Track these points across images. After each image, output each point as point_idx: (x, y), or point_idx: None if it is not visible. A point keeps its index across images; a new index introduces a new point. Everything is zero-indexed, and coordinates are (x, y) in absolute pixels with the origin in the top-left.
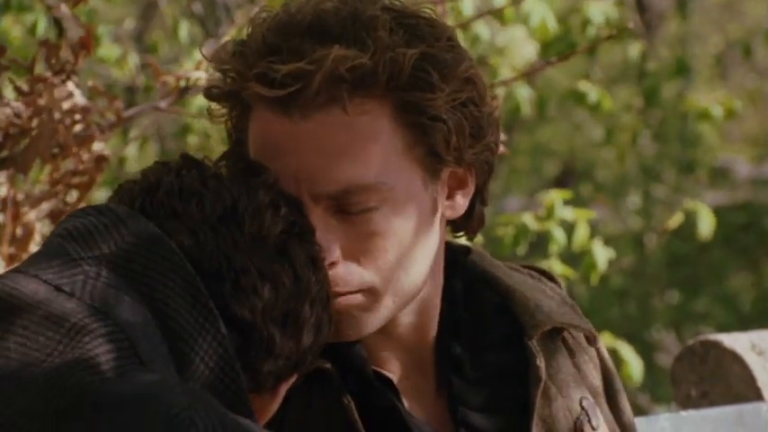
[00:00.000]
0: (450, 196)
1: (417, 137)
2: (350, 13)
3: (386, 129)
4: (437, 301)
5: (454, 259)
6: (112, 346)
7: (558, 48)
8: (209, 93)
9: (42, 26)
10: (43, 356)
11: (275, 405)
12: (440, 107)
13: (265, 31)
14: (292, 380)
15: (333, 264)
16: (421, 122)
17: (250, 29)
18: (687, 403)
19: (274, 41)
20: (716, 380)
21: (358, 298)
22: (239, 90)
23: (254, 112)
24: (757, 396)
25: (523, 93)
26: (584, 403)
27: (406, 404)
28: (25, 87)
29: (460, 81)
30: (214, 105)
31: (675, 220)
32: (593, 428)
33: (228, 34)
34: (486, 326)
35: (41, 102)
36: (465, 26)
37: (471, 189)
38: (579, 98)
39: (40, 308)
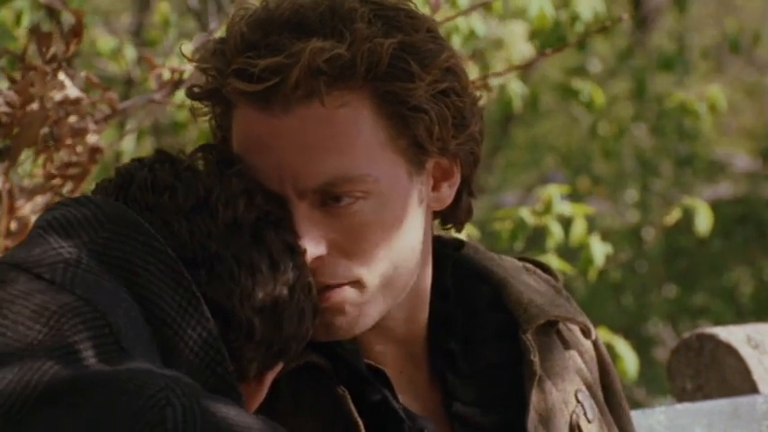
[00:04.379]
0: (435, 187)
1: (400, 128)
2: (328, 6)
3: (367, 121)
4: (427, 294)
5: (445, 252)
6: (92, 333)
7: (549, 40)
8: (192, 92)
9: (28, 16)
10: (23, 345)
11: (262, 394)
12: (420, 97)
13: (244, 27)
14: (278, 368)
15: (319, 258)
16: (402, 113)
17: (228, 25)
18: (683, 396)
19: (253, 37)
20: (711, 373)
21: (347, 291)
22: (220, 87)
23: (236, 109)
24: (753, 389)
25: (516, 87)
26: (580, 396)
27: (400, 398)
28: (17, 76)
29: (441, 71)
30: (197, 104)
31: (673, 216)
32: (588, 421)
33: (221, 28)
34: (479, 320)
35: (33, 90)
36: (464, 14)
37: (457, 180)
38: (570, 93)
39: (20, 296)
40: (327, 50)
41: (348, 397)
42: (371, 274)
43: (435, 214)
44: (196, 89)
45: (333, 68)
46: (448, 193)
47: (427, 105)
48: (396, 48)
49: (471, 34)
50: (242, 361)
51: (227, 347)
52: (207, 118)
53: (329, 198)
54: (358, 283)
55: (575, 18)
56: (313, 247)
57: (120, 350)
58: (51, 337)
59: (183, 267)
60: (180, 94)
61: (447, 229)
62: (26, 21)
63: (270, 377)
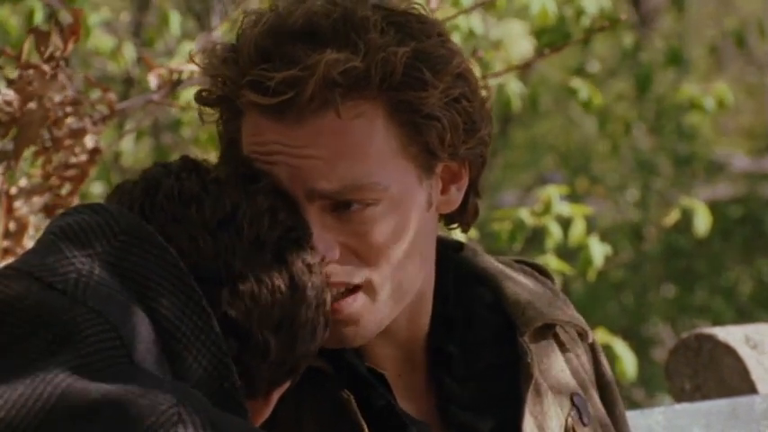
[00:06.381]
0: (444, 190)
1: (412, 135)
2: (341, 15)
3: (380, 130)
4: (429, 297)
5: (446, 255)
6: (103, 346)
7: (552, 38)
8: (200, 97)
9: (39, 15)
10: (34, 355)
11: (268, 411)
12: (433, 105)
13: (256, 36)
14: (285, 386)
15: (331, 262)
16: (415, 121)
17: (240, 32)
18: (681, 396)
19: (266, 47)
20: (710, 373)
21: (360, 300)
22: (232, 97)
23: (246, 116)
24: (751, 389)
25: (515, 87)
26: (576, 399)
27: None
28: (13, 76)
29: (453, 77)
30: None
31: (672, 217)
32: (584, 425)
33: (221, 28)
34: (477, 323)
35: (31, 89)
36: (466, 12)
37: (465, 182)
38: (570, 92)
39: (32, 306)
40: (342, 62)
41: (353, 401)
42: (381, 279)
43: (441, 215)
44: (205, 93)
45: (348, 80)
46: (456, 195)
47: (439, 113)
48: (409, 56)
49: (470, 33)
50: (254, 379)
51: (242, 366)
52: (214, 122)
53: (340, 204)
54: (369, 288)
55: (580, 13)
56: (326, 251)
57: (131, 363)
58: (62, 349)
59: (194, 281)
60: (179, 94)
61: (452, 230)
62: (38, 17)
63: (277, 394)
